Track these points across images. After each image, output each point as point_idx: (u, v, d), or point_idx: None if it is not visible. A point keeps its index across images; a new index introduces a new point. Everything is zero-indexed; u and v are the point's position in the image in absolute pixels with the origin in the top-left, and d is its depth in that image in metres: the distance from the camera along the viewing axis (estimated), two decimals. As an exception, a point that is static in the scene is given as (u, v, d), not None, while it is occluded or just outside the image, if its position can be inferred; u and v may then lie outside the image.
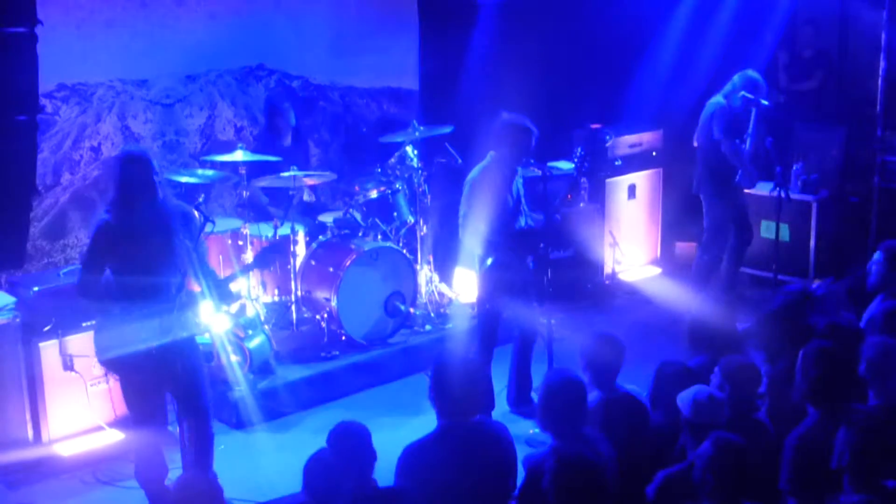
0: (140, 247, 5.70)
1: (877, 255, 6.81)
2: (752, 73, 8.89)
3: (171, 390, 5.98)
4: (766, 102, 8.76)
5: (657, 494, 4.84)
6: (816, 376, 5.07)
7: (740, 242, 9.24)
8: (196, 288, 6.02)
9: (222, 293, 6.08)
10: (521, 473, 5.15)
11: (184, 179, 8.06)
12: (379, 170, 8.80)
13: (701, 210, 9.27)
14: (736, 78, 8.86)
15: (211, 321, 6.09)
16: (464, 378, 5.12)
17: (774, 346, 6.03)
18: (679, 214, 10.27)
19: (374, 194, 8.53)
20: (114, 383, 7.11)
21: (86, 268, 5.78)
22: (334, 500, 4.67)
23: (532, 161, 7.20)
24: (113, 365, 5.89)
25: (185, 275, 5.89)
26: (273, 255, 6.67)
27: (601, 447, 5.03)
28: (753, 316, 6.43)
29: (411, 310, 8.44)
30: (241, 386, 7.41)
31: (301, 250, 8.44)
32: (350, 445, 4.74)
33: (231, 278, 6.55)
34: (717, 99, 8.93)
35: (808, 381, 5.10)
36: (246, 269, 6.95)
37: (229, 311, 6.97)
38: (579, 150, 8.11)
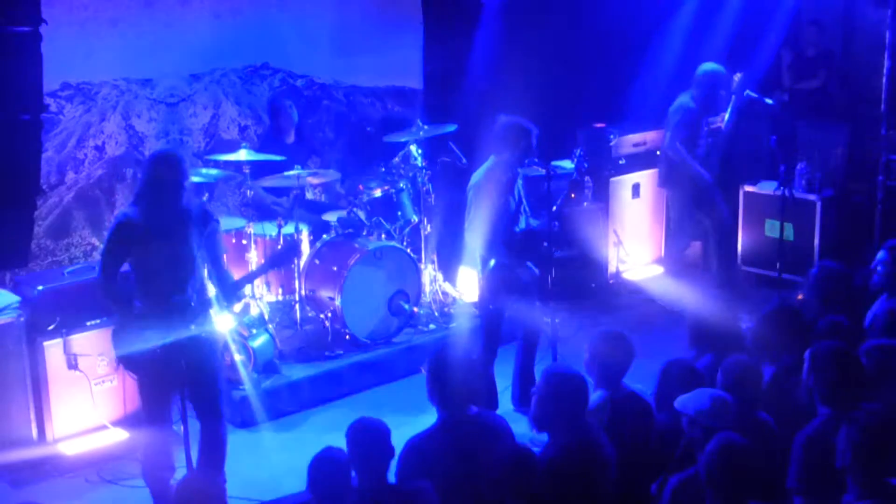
0: (160, 244, 5.76)
1: (881, 255, 6.79)
2: (711, 66, 8.95)
3: (187, 389, 6.00)
4: (771, 101, 8.79)
5: (669, 500, 4.82)
6: (830, 377, 5.03)
7: (722, 241, 9.26)
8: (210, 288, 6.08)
9: (231, 294, 6.12)
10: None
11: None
12: (383, 169, 8.80)
13: (704, 209, 9.28)
14: (699, 73, 8.94)
15: (216, 320, 6.09)
16: (459, 369, 5.17)
17: (775, 345, 6.02)
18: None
19: (378, 193, 8.53)
20: (118, 382, 7.14)
21: (103, 262, 5.85)
22: (339, 500, 4.67)
23: (535, 160, 7.20)
24: (128, 361, 5.90)
25: (200, 273, 5.95)
26: (288, 256, 6.66)
27: (604, 445, 5.03)
28: (755, 314, 6.41)
29: (415, 309, 8.44)
30: (246, 385, 7.42)
31: (305, 249, 8.45)
32: (369, 440, 4.74)
33: (246, 280, 6.61)
34: (683, 99, 8.99)
35: (820, 382, 5.07)
36: (261, 271, 6.93)
37: (233, 310, 6.97)
38: (578, 150, 8.12)
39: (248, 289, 7.98)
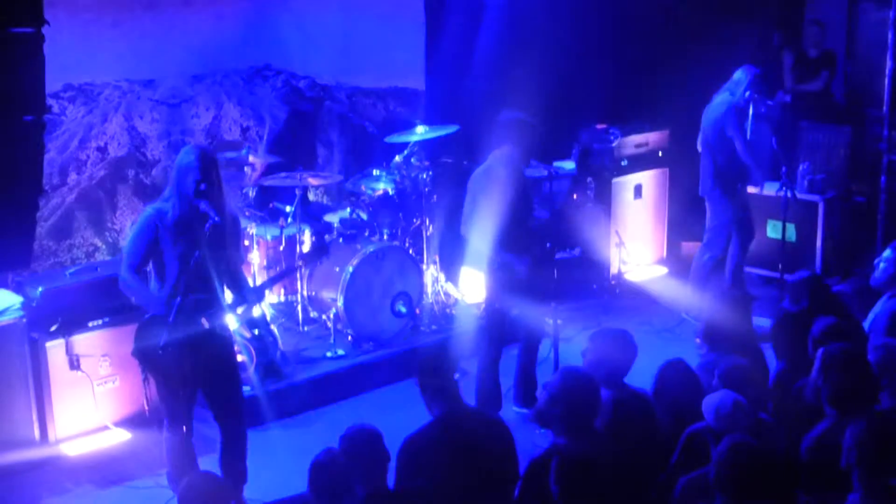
0: (189, 242, 5.76)
1: (888, 253, 6.77)
2: (749, 68, 8.87)
3: (205, 390, 6.01)
4: (770, 102, 8.75)
5: (678, 500, 4.82)
6: (839, 378, 5.00)
7: (744, 242, 9.22)
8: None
9: (252, 297, 6.11)
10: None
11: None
12: (385, 170, 8.80)
13: (706, 210, 9.26)
14: (738, 74, 8.82)
15: (222, 320, 6.09)
16: (454, 364, 5.28)
17: (783, 344, 6.01)
18: (685, 214, 10.26)
19: (380, 194, 8.53)
20: (120, 382, 7.15)
21: (127, 257, 5.84)
22: (340, 501, 4.68)
23: (538, 161, 7.19)
24: (146, 358, 5.90)
25: (226, 274, 5.97)
26: (318, 255, 6.63)
27: (608, 445, 5.03)
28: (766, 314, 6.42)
29: (417, 310, 8.44)
30: (247, 386, 7.41)
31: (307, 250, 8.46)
32: (362, 448, 4.75)
33: (274, 280, 6.60)
34: (724, 97, 8.87)
35: (829, 383, 5.04)
36: (286, 273, 6.93)
37: (235, 311, 6.99)
38: (576, 148, 8.09)
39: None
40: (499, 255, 7.05)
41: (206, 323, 5.78)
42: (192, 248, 5.73)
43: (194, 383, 5.91)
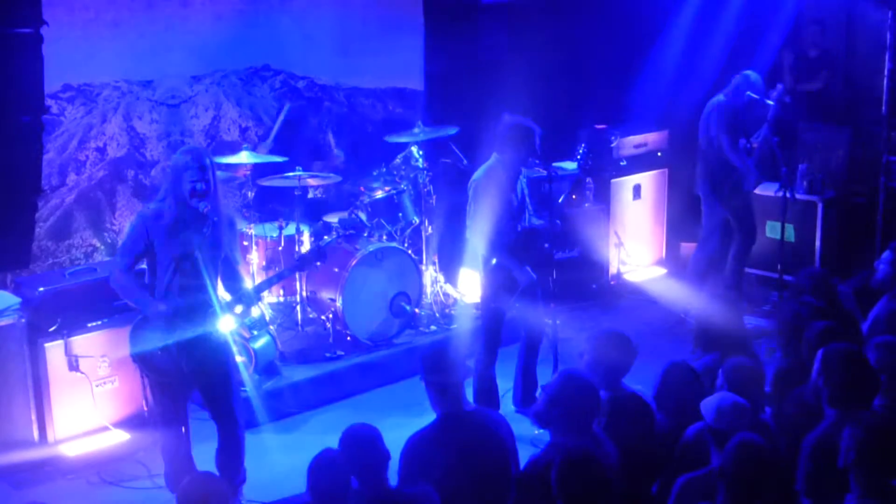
0: (184, 244, 5.75)
1: (886, 254, 6.78)
2: (751, 73, 8.87)
3: (202, 391, 6.00)
4: (771, 102, 8.74)
5: (677, 499, 4.82)
6: (840, 379, 4.98)
7: (744, 243, 9.21)
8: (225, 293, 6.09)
9: (252, 297, 6.10)
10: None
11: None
12: (384, 170, 8.80)
13: (739, 212, 9.24)
14: (737, 79, 8.84)
15: (217, 322, 6.10)
16: (456, 364, 5.27)
17: (785, 341, 6.01)
18: (684, 215, 10.26)
19: (379, 195, 8.53)
20: (119, 383, 7.15)
21: (120, 257, 5.85)
22: (339, 501, 4.68)
23: (537, 161, 7.20)
24: (143, 361, 5.90)
25: (224, 275, 5.99)
26: (314, 260, 6.65)
27: (606, 446, 5.03)
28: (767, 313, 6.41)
29: (416, 310, 8.44)
30: (247, 386, 7.40)
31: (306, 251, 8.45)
32: (361, 448, 4.75)
33: (269, 283, 6.61)
34: (718, 98, 8.90)
35: (830, 383, 5.03)
36: (282, 276, 6.93)
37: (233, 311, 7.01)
38: (582, 147, 8.08)
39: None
40: (497, 257, 7.06)
41: (203, 323, 5.78)
42: (187, 249, 5.73)
43: (191, 384, 5.91)
